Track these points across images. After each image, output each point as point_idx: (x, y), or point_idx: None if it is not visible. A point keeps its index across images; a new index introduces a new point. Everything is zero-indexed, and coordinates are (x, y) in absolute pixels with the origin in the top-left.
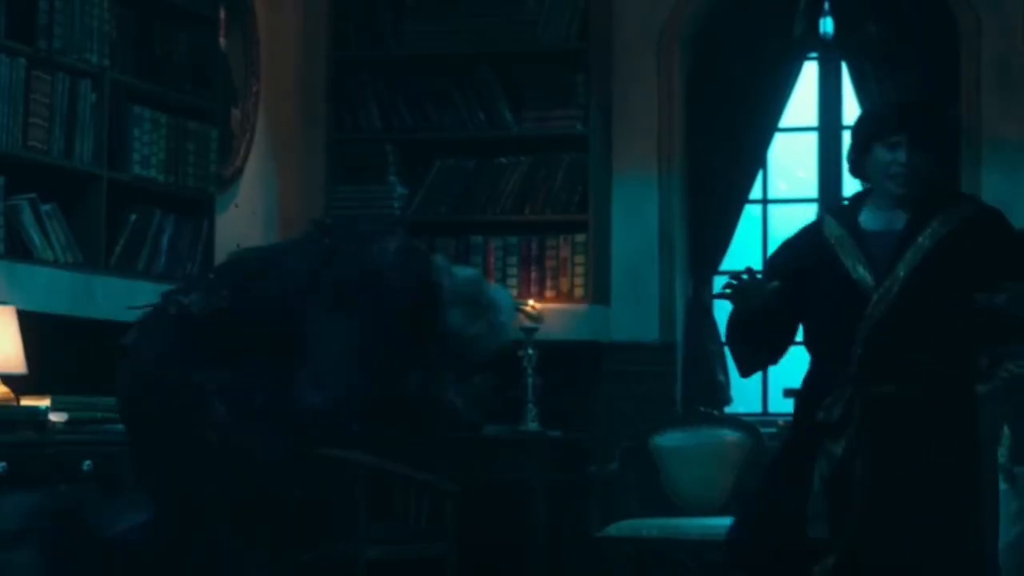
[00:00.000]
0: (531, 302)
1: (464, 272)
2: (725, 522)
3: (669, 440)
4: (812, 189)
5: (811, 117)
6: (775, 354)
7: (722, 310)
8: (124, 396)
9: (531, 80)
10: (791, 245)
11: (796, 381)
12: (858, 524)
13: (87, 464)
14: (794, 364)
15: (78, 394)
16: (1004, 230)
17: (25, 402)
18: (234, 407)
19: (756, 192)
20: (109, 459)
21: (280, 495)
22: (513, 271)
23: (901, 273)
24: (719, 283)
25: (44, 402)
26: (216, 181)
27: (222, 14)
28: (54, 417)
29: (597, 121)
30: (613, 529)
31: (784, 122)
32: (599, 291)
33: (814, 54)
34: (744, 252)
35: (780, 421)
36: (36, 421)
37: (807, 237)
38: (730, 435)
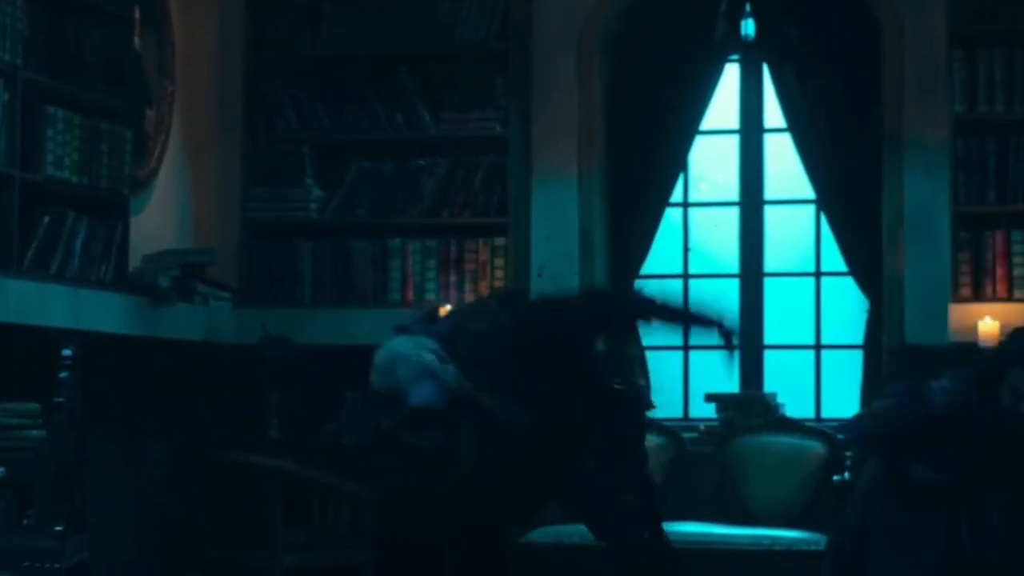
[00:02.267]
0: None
1: None
2: None
3: None
4: (733, 192)
5: (732, 120)
6: None
7: None
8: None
9: (450, 81)
10: None
11: (715, 386)
12: None
13: (0, 471)
14: (713, 369)
15: None
16: None
17: None
18: None
19: (677, 196)
20: (23, 466)
21: None
22: (432, 275)
23: None
24: (640, 286)
25: None
26: (130, 182)
27: (136, 14)
28: None
29: (517, 123)
30: (536, 535)
31: (705, 125)
32: None
33: (735, 56)
34: (665, 256)
35: (701, 426)
36: None
37: None
38: (652, 440)
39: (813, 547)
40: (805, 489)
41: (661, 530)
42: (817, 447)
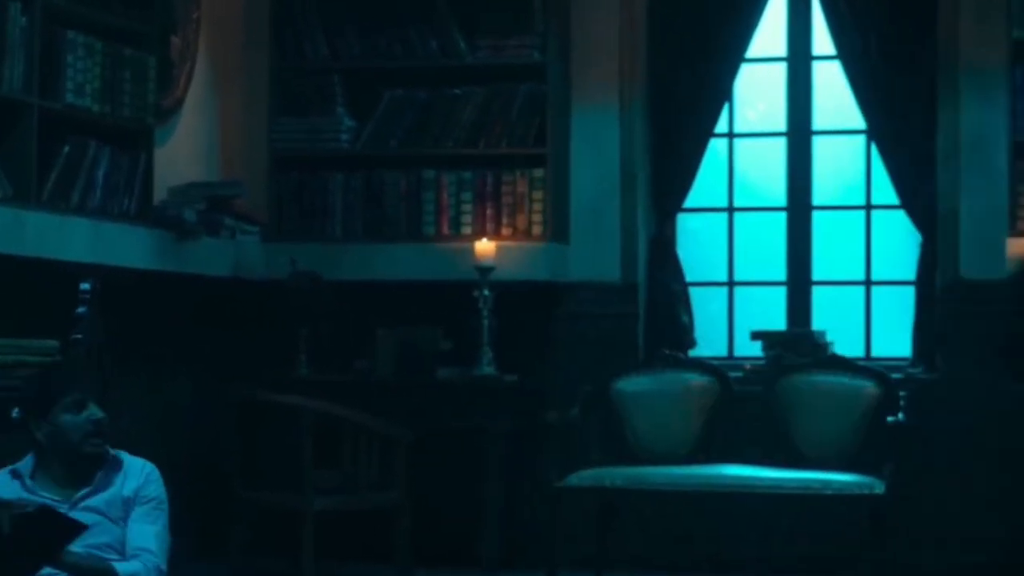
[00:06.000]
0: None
1: None
2: (692, 471)
3: (632, 385)
4: (780, 123)
5: (780, 47)
6: None
7: (686, 248)
8: None
9: (486, 6)
10: None
11: (761, 323)
12: None
13: (16, 412)
14: (759, 305)
15: (7, 336)
16: None
17: None
18: None
19: (722, 126)
20: None
21: None
22: (467, 207)
23: None
24: (683, 220)
25: None
26: (155, 112)
27: None
28: None
29: (556, 50)
30: (574, 479)
31: (751, 52)
32: (558, 228)
33: None
34: (709, 188)
35: (747, 365)
36: None
37: None
38: (696, 379)
39: (867, 491)
40: (857, 430)
41: None
42: (870, 386)
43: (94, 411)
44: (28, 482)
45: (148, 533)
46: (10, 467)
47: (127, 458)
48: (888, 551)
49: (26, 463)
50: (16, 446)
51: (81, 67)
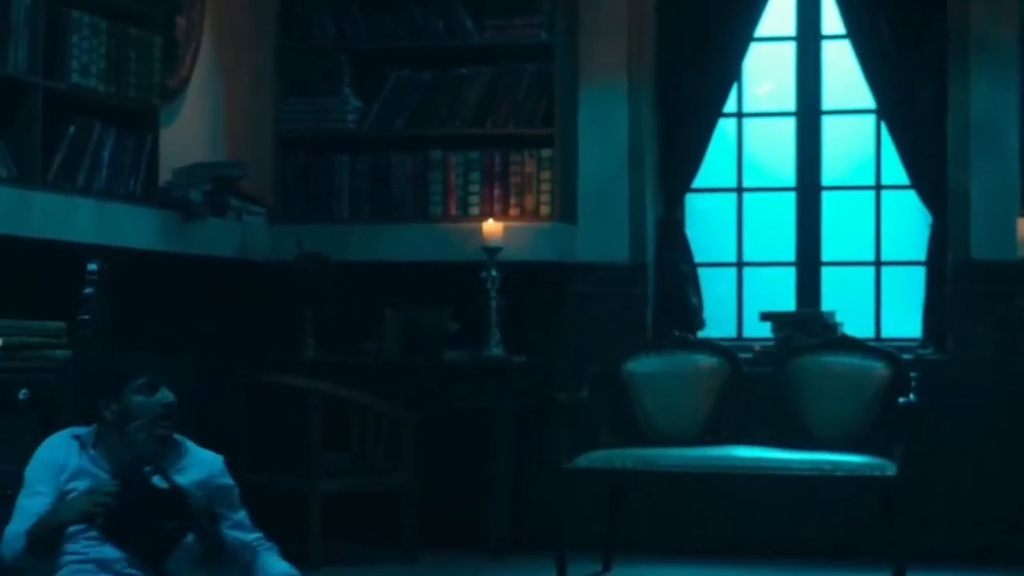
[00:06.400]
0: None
1: None
2: (703, 453)
3: (642, 366)
4: (789, 102)
5: (789, 26)
6: None
7: (695, 229)
8: None
9: None
10: None
11: (770, 304)
12: None
13: (23, 393)
14: (768, 286)
15: (13, 318)
16: None
17: None
18: None
19: (731, 105)
20: (46, 387)
21: None
22: (475, 188)
23: None
24: (692, 201)
25: None
26: (160, 92)
27: None
28: None
29: (563, 29)
30: (584, 460)
31: (760, 31)
32: (566, 209)
33: None
34: (718, 168)
35: (756, 346)
36: None
37: None
38: (706, 361)
39: (878, 472)
40: (868, 411)
41: None
42: (880, 367)
43: (165, 394)
44: (91, 451)
45: (246, 520)
46: (71, 430)
47: (192, 447)
48: (899, 533)
49: (88, 433)
50: (24, 427)
51: (86, 47)
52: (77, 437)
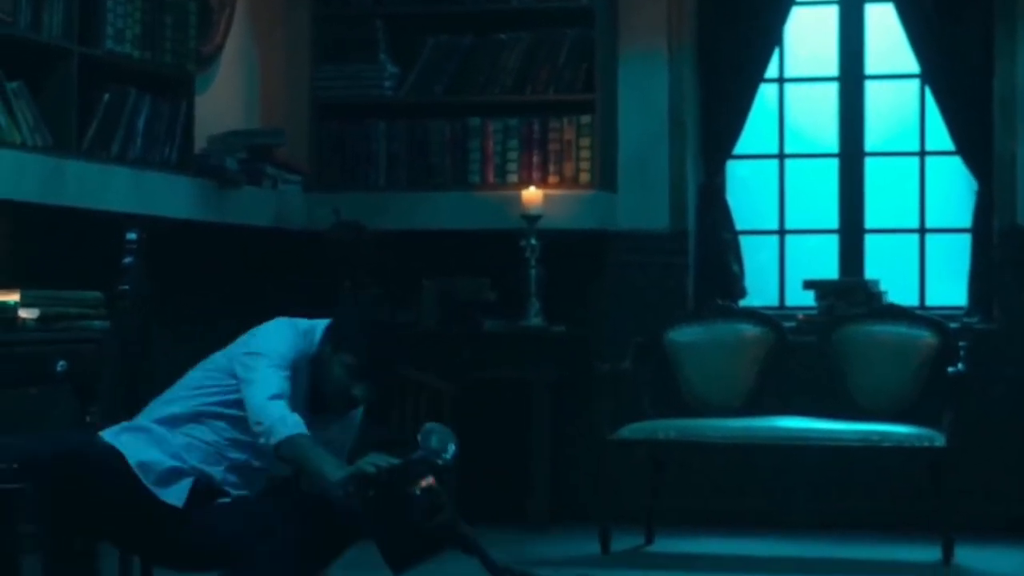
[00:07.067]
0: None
1: None
2: (747, 423)
3: (684, 335)
4: (832, 67)
5: None
6: None
7: (736, 196)
8: None
9: None
10: None
11: (813, 272)
12: None
13: (61, 364)
14: (810, 255)
15: (49, 288)
16: None
17: None
18: None
19: (772, 71)
20: (83, 358)
21: None
22: (513, 155)
23: None
24: (733, 168)
25: (13, 297)
26: (195, 59)
27: None
28: (24, 314)
29: None
30: (626, 431)
31: None
32: (605, 176)
33: None
34: (759, 134)
35: (800, 315)
36: (4, 318)
37: None
38: (750, 330)
39: (927, 443)
40: (916, 381)
41: None
42: (927, 336)
43: (364, 390)
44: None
45: None
46: (305, 326)
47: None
48: (947, 503)
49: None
50: (61, 398)
51: (121, 12)
52: (306, 333)
